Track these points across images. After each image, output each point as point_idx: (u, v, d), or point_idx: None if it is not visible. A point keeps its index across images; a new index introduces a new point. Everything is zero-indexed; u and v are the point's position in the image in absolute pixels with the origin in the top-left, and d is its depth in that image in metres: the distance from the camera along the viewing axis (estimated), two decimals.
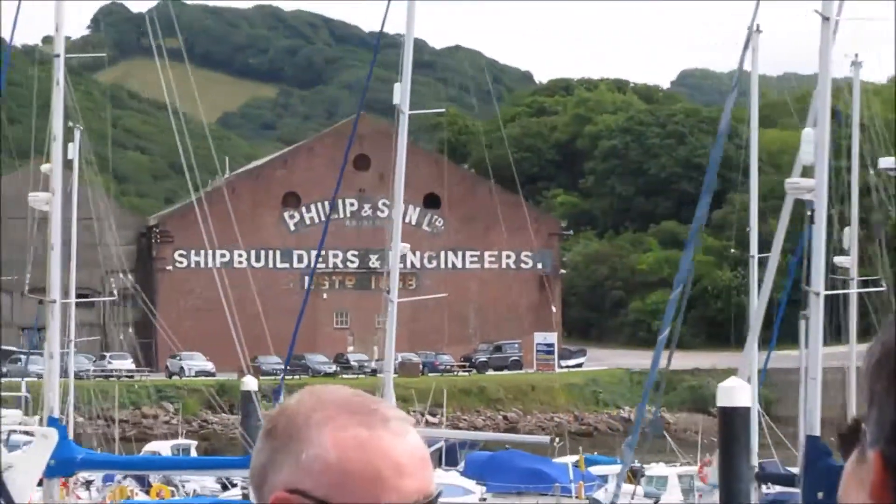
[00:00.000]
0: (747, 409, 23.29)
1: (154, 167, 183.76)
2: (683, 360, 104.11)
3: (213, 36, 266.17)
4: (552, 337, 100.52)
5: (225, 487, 43.65)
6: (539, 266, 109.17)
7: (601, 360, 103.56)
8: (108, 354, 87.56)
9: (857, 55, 37.90)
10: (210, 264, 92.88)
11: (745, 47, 30.46)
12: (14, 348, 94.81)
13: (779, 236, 29.13)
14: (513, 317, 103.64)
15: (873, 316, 36.57)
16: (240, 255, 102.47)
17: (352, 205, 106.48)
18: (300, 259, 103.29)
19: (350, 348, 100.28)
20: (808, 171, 23.46)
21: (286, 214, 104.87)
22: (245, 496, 37.13)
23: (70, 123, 35.73)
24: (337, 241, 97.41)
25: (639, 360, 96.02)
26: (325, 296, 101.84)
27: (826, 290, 22.62)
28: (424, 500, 1.93)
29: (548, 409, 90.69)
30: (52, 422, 26.38)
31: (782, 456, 35.22)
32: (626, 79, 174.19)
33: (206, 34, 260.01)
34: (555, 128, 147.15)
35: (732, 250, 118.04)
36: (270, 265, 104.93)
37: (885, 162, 36.55)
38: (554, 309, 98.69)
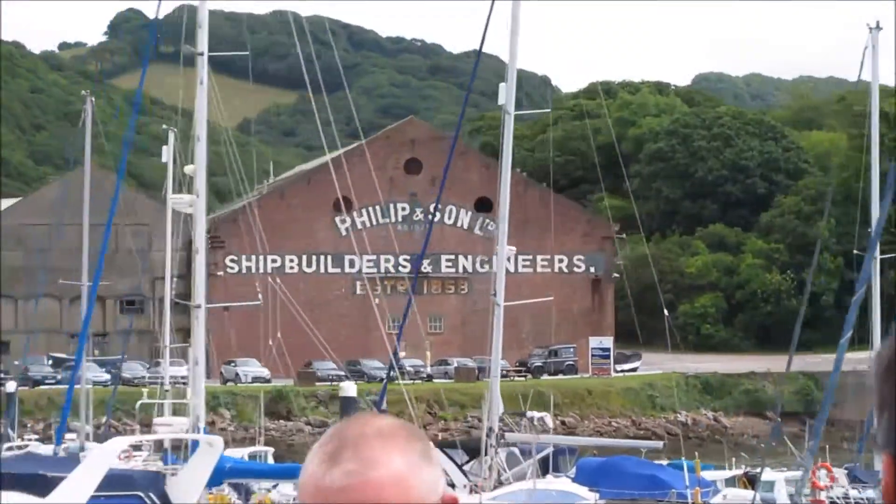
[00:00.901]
0: None
1: None
2: (736, 364, 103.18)
3: (232, 42, 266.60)
4: (608, 341, 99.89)
5: None
6: (591, 269, 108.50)
7: (652, 363, 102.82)
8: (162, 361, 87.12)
9: None
10: (262, 269, 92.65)
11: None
12: (64, 356, 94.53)
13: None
14: (566, 321, 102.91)
15: None
16: (291, 260, 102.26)
17: (403, 209, 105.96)
18: (351, 264, 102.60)
19: (402, 353, 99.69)
20: None
21: (337, 219, 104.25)
22: None
23: (164, 126, 35.37)
24: (388, 246, 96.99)
25: (688, 363, 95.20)
26: (376, 300, 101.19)
27: None
28: None
29: (605, 414, 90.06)
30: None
31: None
32: (666, 81, 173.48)
33: (225, 41, 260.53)
34: (598, 130, 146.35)
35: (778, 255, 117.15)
36: (322, 270, 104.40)
37: None
38: (609, 312, 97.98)
